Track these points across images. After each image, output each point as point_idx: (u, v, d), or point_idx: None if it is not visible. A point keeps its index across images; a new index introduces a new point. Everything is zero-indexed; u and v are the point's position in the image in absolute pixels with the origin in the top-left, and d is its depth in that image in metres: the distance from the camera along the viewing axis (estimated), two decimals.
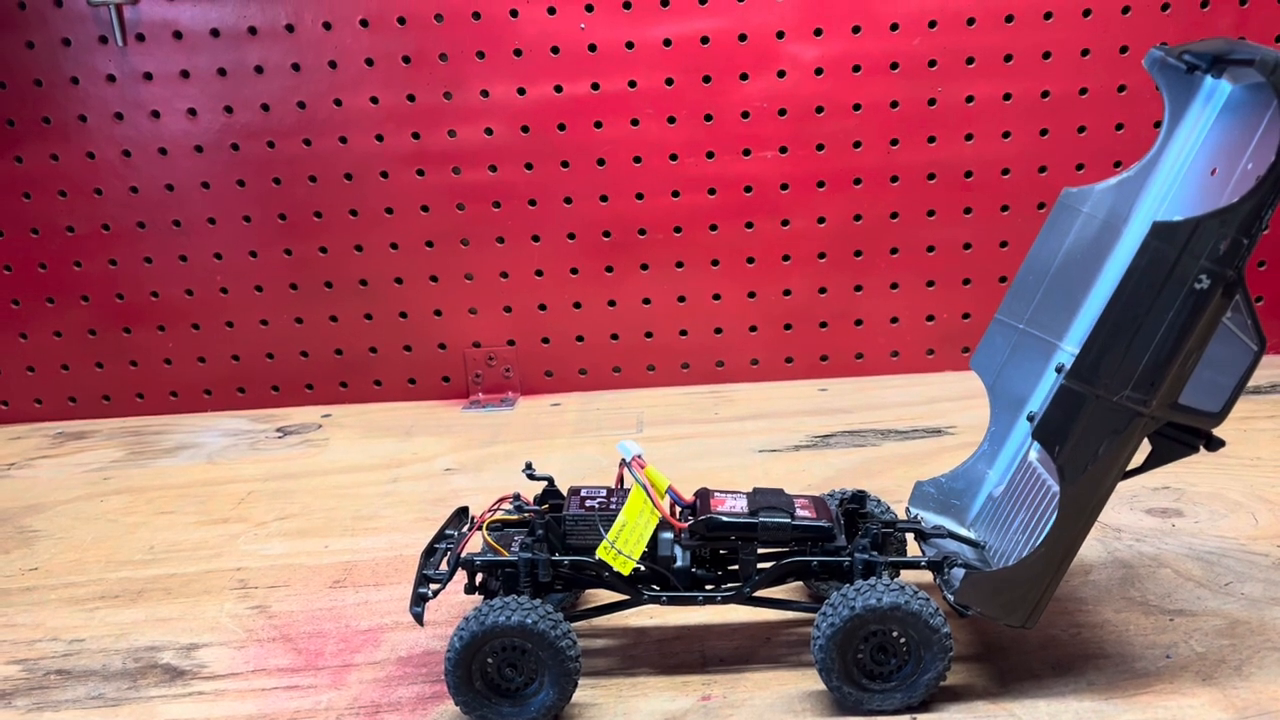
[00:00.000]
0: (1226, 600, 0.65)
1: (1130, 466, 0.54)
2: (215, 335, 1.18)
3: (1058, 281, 0.63)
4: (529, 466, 0.63)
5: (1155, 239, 0.49)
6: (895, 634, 0.55)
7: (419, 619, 0.57)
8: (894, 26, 1.09)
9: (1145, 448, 0.56)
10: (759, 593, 0.60)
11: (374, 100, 1.11)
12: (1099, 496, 0.53)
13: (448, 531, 0.63)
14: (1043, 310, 0.64)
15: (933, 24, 1.09)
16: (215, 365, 1.19)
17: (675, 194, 1.14)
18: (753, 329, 1.19)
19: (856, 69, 1.10)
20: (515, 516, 0.61)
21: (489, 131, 1.12)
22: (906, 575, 0.64)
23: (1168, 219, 0.50)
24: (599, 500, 0.61)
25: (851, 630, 0.54)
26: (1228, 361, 0.53)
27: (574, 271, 1.17)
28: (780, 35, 1.10)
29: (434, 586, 0.58)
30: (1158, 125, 0.61)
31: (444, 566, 0.59)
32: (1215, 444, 0.55)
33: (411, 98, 1.11)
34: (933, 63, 1.10)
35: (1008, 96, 1.11)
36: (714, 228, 1.15)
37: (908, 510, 0.67)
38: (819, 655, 0.55)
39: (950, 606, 0.57)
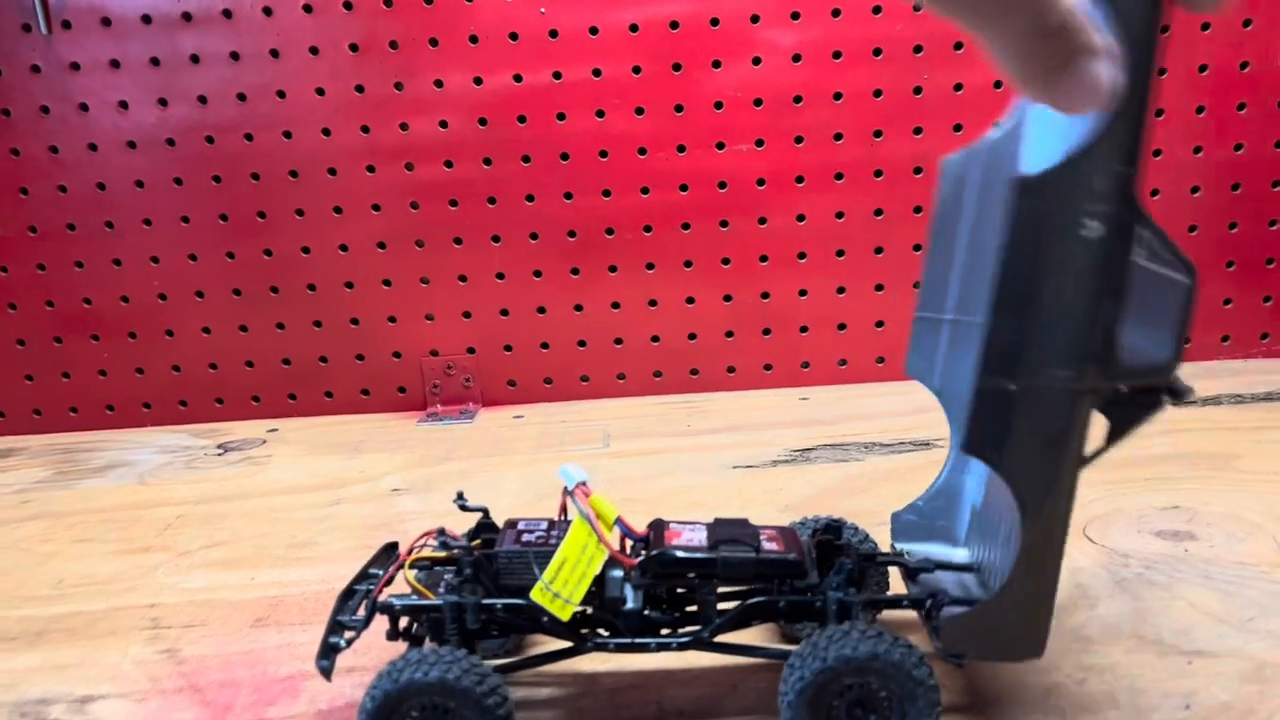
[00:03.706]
0: (1250, 638, 0.58)
1: (1093, 450, 0.47)
2: (153, 345, 1.11)
3: (970, 258, 0.56)
4: (460, 496, 0.55)
5: (1022, 198, 0.42)
6: (874, 687, 0.47)
7: (326, 674, 0.50)
8: (876, 10, 1.03)
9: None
10: (721, 637, 0.52)
11: (320, 91, 1.04)
12: (1061, 494, 0.46)
13: (372, 571, 0.56)
14: (966, 292, 0.56)
15: (918, 6, 1.02)
16: (154, 377, 1.12)
17: (645, 190, 1.08)
18: (729, 334, 1.12)
19: (837, 55, 1.04)
20: (444, 554, 0.54)
21: (444, 124, 1.05)
22: (890, 613, 0.57)
23: (1027, 173, 0.42)
24: (538, 534, 0.53)
25: (824, 685, 0.47)
26: (1160, 303, 0.45)
27: (537, 274, 1.10)
28: (755, 19, 1.03)
29: (348, 635, 0.51)
30: None
31: (362, 612, 0.52)
32: (1181, 392, 0.47)
33: (360, 88, 1.04)
34: (918, 48, 1.04)
35: (998, 84, 1.04)
36: (686, 226, 1.08)
37: (893, 546, 0.59)
38: (787, 715, 0.47)
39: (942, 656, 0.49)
